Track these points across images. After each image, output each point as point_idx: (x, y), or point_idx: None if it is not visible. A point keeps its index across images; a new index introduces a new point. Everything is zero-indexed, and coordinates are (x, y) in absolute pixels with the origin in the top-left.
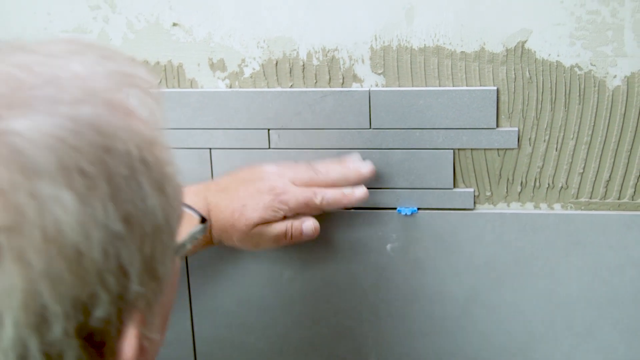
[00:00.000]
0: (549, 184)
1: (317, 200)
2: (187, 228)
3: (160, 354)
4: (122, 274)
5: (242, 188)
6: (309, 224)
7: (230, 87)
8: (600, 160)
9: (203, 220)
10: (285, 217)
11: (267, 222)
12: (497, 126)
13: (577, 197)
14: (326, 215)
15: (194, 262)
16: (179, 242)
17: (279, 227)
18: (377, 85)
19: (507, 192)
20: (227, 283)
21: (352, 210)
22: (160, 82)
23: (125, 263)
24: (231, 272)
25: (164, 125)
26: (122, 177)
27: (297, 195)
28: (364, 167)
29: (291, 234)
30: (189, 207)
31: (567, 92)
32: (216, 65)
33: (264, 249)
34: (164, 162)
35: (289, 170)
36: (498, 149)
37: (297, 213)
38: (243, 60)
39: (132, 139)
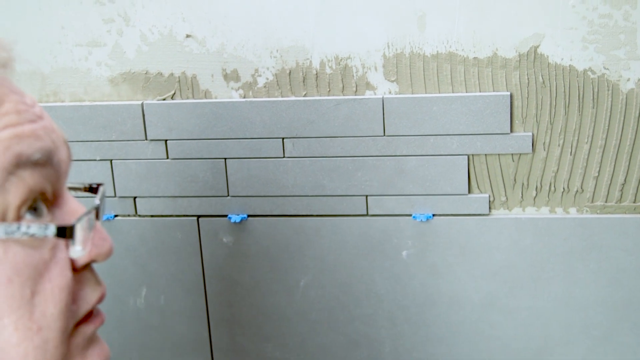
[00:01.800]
0: (564, 188)
1: None
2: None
3: None
4: None
5: None
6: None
7: (244, 97)
8: (615, 164)
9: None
10: None
11: None
12: (511, 131)
13: (592, 201)
14: (341, 223)
15: (210, 272)
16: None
17: None
18: (390, 93)
19: (522, 197)
20: (244, 292)
21: (368, 216)
22: (175, 93)
23: None
24: (247, 281)
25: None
26: None
27: None
28: None
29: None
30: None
31: (581, 96)
32: (230, 76)
33: None
34: None
35: None
36: (512, 154)
37: None
38: (256, 70)
39: None
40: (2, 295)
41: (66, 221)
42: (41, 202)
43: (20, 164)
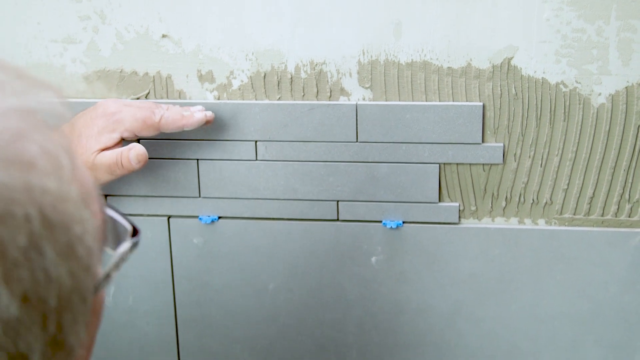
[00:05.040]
0: (533, 200)
1: (156, 117)
2: (111, 241)
3: None
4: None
5: (78, 122)
6: (136, 150)
7: (219, 99)
8: (584, 177)
9: (135, 232)
10: (122, 141)
11: (106, 147)
12: (483, 141)
13: (561, 213)
14: (312, 227)
15: (179, 272)
16: (102, 274)
17: (110, 155)
18: (364, 99)
19: (492, 207)
20: (213, 294)
21: (338, 221)
22: (149, 92)
23: (24, 349)
24: (217, 282)
25: (75, 166)
26: (18, 250)
27: (133, 113)
28: (202, 113)
29: (121, 162)
30: (119, 213)
31: (553, 109)
32: (205, 77)
33: (103, 182)
34: (74, 219)
35: (127, 103)
36: (483, 164)
37: (135, 135)
38: (231, 72)
39: (33, 200)
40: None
41: None
42: None
43: None
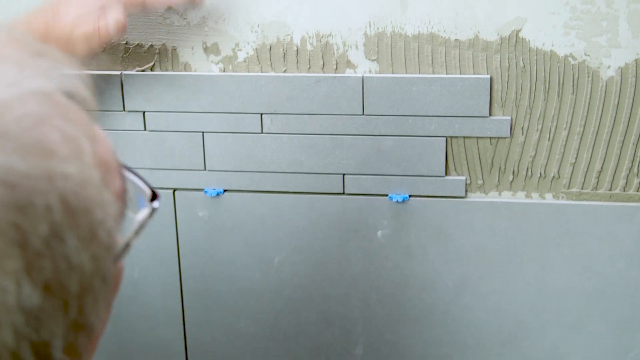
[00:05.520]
0: (540, 174)
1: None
2: (128, 207)
3: (151, 336)
4: (43, 346)
5: None
6: (114, 17)
7: (224, 71)
8: (592, 151)
9: (154, 196)
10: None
11: (85, 21)
12: (490, 115)
13: (568, 187)
14: (317, 200)
15: (184, 245)
16: (122, 244)
17: (88, 24)
18: (370, 72)
19: (499, 180)
20: (218, 267)
21: (344, 195)
22: (154, 65)
23: (46, 336)
24: (222, 255)
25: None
26: (40, 240)
27: None
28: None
29: (99, 30)
30: (138, 177)
31: (561, 81)
32: (210, 49)
33: (80, 54)
34: (95, 203)
35: None
36: (490, 138)
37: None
38: (237, 45)
39: (54, 188)
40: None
41: None
42: None
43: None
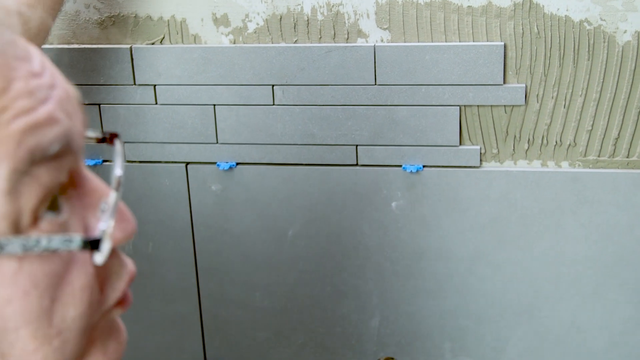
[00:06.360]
0: (556, 142)
1: None
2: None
3: (166, 311)
4: None
5: None
6: None
7: (234, 43)
8: (609, 118)
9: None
10: None
11: None
12: (504, 82)
13: (585, 155)
14: (331, 172)
15: (198, 219)
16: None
17: None
18: (382, 41)
19: (514, 149)
20: (232, 240)
21: (357, 166)
22: (164, 37)
23: None
24: (236, 229)
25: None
26: None
27: None
28: None
29: None
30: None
31: (576, 47)
32: (220, 21)
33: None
34: None
35: None
36: (505, 106)
37: None
38: (247, 16)
39: None
40: (18, 309)
41: (86, 204)
42: (58, 194)
43: (36, 160)
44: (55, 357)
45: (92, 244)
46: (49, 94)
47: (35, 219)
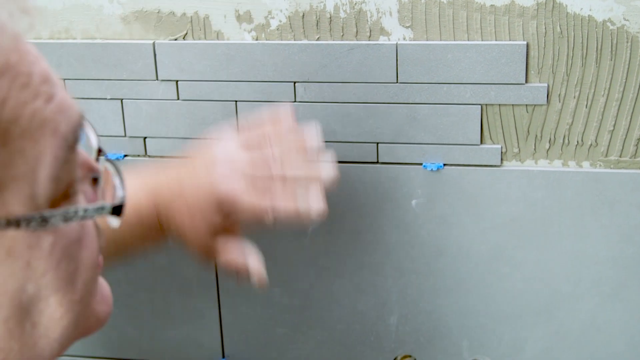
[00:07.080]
0: (578, 142)
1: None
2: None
3: (185, 304)
4: None
5: (191, 195)
6: (316, 199)
7: (257, 40)
8: (631, 118)
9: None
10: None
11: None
12: (526, 82)
13: (606, 155)
14: (351, 169)
15: None
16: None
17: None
18: (404, 39)
19: (535, 149)
20: (251, 236)
21: (378, 164)
22: (187, 33)
23: None
24: (255, 225)
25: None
26: None
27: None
28: (326, 172)
29: (297, 213)
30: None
31: (599, 47)
32: (243, 17)
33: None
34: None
35: (243, 166)
36: (527, 105)
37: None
38: (270, 12)
39: None
40: (51, 278)
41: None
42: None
43: (70, 144)
44: (76, 323)
45: (115, 210)
46: (56, 78)
47: (68, 194)
